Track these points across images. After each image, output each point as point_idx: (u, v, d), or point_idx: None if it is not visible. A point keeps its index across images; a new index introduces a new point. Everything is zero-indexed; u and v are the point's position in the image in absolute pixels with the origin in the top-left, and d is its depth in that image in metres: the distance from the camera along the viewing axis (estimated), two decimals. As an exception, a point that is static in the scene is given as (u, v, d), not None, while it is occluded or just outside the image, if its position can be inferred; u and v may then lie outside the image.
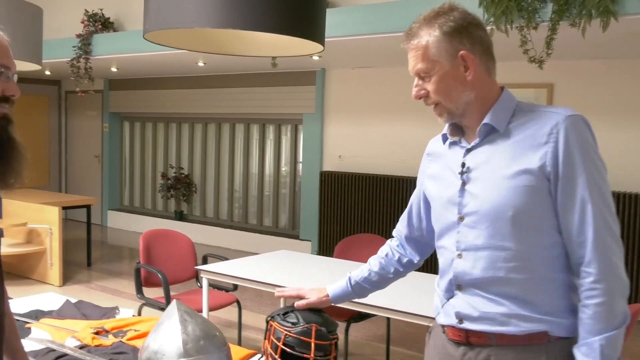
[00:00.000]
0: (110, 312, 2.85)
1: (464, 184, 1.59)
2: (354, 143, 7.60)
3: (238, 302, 4.47)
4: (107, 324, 2.64)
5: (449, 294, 1.63)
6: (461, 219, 1.58)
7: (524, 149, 1.50)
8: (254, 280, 3.69)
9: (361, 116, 7.53)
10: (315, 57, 6.56)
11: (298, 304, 1.98)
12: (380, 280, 2.01)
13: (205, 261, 4.68)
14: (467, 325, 1.58)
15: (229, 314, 5.10)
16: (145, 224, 9.86)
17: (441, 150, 1.76)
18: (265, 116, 8.66)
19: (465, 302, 1.58)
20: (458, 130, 1.67)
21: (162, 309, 4.22)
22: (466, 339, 1.59)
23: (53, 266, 6.45)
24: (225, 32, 3.26)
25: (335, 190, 7.53)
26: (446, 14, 1.55)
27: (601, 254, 1.44)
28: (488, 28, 4.32)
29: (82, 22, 7.40)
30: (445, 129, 1.70)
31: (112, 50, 7.10)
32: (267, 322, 2.12)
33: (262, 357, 2.15)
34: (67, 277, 6.76)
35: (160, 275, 4.21)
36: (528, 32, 4.16)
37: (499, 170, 1.53)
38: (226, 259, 4.38)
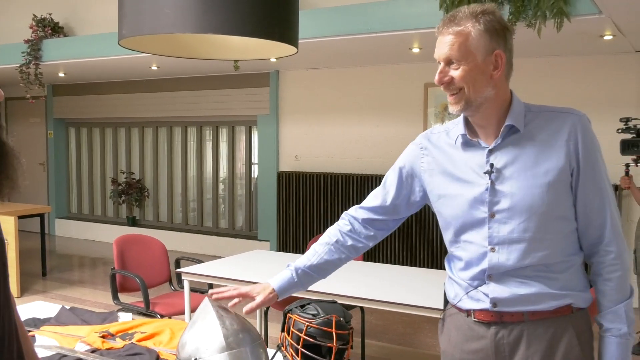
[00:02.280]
0: (111, 316, 2.87)
1: (493, 183, 1.70)
2: (309, 143, 7.72)
3: (215, 303, 4.51)
4: (111, 327, 2.66)
5: (479, 282, 1.75)
6: (492, 215, 1.71)
7: (548, 148, 1.67)
8: (241, 280, 3.75)
9: (316, 116, 7.67)
10: (273, 59, 6.65)
11: (247, 309, 1.91)
12: (328, 268, 2.06)
13: (178, 264, 4.71)
14: (501, 308, 1.72)
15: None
16: (96, 231, 9.72)
17: (446, 149, 1.83)
18: (219, 119, 8.68)
19: (499, 289, 1.72)
20: (472, 131, 1.77)
21: (142, 314, 4.23)
22: (499, 318, 1.73)
23: (10, 277, 6.28)
24: (197, 37, 3.33)
25: (292, 189, 7.64)
26: (491, 14, 1.65)
27: (617, 235, 1.69)
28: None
29: (31, 27, 7.23)
30: (462, 128, 1.78)
31: (63, 56, 6.98)
32: (285, 315, 2.21)
33: (278, 349, 2.23)
34: (24, 288, 6.61)
35: (138, 279, 4.21)
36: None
37: (528, 169, 1.67)
38: (200, 261, 4.42)
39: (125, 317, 2.90)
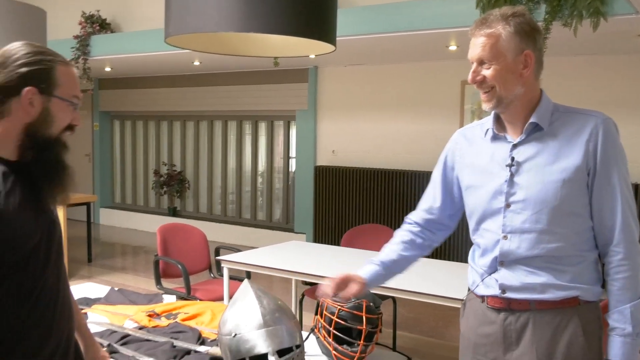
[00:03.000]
0: (156, 298, 3.07)
1: (512, 175, 1.82)
2: (346, 138, 7.86)
3: (252, 291, 4.68)
4: (157, 307, 2.86)
5: (492, 269, 1.87)
6: (508, 205, 1.83)
7: (568, 146, 1.77)
8: (278, 269, 3.92)
9: (354, 112, 7.79)
10: (311, 56, 6.79)
11: (344, 294, 2.00)
12: (405, 264, 2.18)
13: (217, 253, 4.90)
14: (509, 294, 1.83)
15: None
16: (139, 220, 10.03)
17: (478, 142, 1.96)
18: (258, 113, 8.88)
19: (509, 275, 1.83)
20: (501, 126, 1.90)
21: (183, 299, 4.43)
22: (508, 305, 1.85)
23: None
24: (239, 35, 3.49)
25: (329, 183, 7.79)
26: (521, 16, 1.76)
27: (628, 237, 1.76)
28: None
29: (80, 24, 7.53)
30: (491, 123, 1.90)
31: (110, 51, 7.25)
32: (319, 299, 2.36)
33: (312, 331, 2.38)
34: (71, 274, 6.91)
35: (180, 266, 4.41)
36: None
37: (546, 165, 1.78)
38: (239, 250, 4.60)
39: (169, 299, 3.09)
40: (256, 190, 9.15)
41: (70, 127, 1.60)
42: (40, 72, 1.51)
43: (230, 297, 4.32)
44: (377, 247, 4.63)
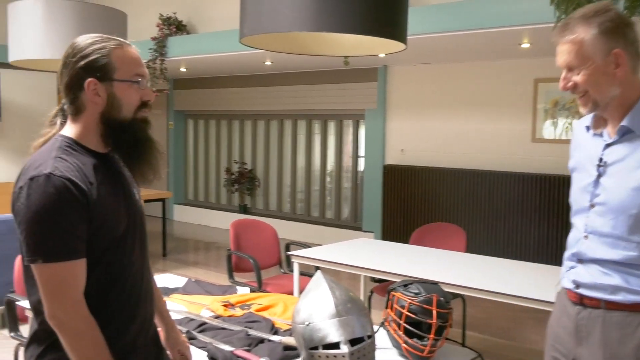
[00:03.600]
0: (230, 289, 3.18)
1: (599, 176, 1.80)
2: (415, 137, 7.84)
3: (321, 286, 4.76)
4: (232, 298, 2.96)
5: (572, 264, 1.89)
6: (592, 206, 1.81)
7: None
8: (347, 265, 3.98)
9: (423, 111, 7.77)
10: (381, 55, 6.81)
11: None
12: None
13: (287, 249, 5.00)
14: (582, 291, 1.83)
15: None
16: (210, 217, 10.31)
17: (583, 137, 1.93)
18: (327, 112, 8.97)
19: (583, 272, 1.83)
20: (601, 122, 1.84)
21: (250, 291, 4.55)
22: (581, 300, 1.85)
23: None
24: (312, 35, 3.56)
25: (397, 182, 7.79)
26: (604, 13, 1.70)
27: None
28: (559, 25, 4.52)
29: (158, 26, 7.82)
30: (589, 120, 1.87)
31: (185, 52, 7.49)
32: (389, 293, 2.40)
33: (382, 325, 2.42)
34: (147, 267, 7.18)
35: (252, 260, 4.53)
36: (600, 28, 4.33)
37: (631, 170, 1.72)
38: (308, 246, 4.68)
39: (242, 291, 3.19)
40: (325, 189, 9.24)
41: (144, 104, 1.65)
42: (95, 62, 1.58)
43: (301, 291, 4.41)
44: (447, 246, 4.66)
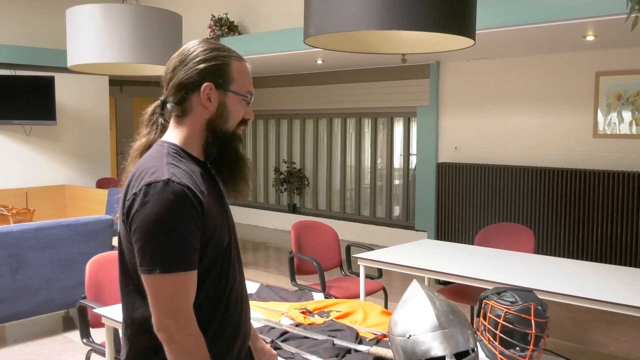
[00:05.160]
0: (305, 295, 3.13)
1: None
2: (470, 134, 7.68)
3: (384, 288, 4.69)
4: (309, 305, 2.91)
5: None
6: None
7: None
8: (411, 267, 3.89)
9: (477, 107, 7.60)
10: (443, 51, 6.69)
11: None
12: None
13: (348, 250, 4.94)
14: None
15: (375, 300, 5.34)
16: (259, 217, 10.32)
17: None
18: (378, 110, 8.87)
19: None
20: None
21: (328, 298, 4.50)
22: None
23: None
24: (374, 33, 3.48)
25: (452, 181, 7.65)
26: None
27: None
28: (632, 16, 4.35)
29: (210, 27, 7.83)
30: None
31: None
32: (481, 300, 2.31)
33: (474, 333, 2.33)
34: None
35: (315, 263, 4.48)
36: (676, 19, 4.14)
37: None
38: (371, 248, 4.60)
39: (318, 297, 3.14)
40: (375, 188, 9.15)
41: (243, 122, 1.63)
42: (217, 68, 1.55)
43: (367, 294, 4.34)
44: (514, 247, 4.53)
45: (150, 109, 1.68)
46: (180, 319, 1.43)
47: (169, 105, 1.61)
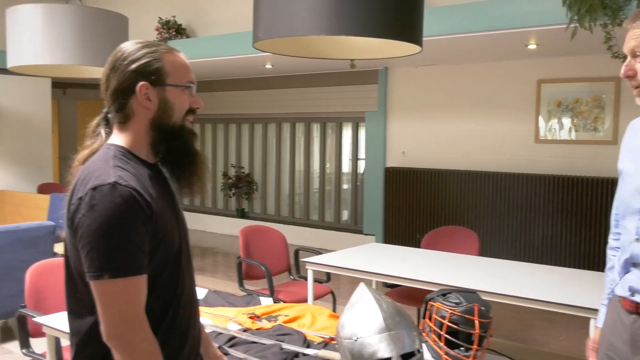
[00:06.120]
0: (253, 300, 3.11)
1: None
2: (417, 139, 7.80)
3: (332, 292, 4.71)
4: (257, 310, 2.89)
5: (625, 270, 1.83)
6: None
7: None
8: (360, 270, 3.92)
9: (424, 113, 7.73)
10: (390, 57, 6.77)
11: None
12: None
13: (296, 255, 4.94)
14: (637, 298, 1.78)
15: (323, 304, 5.35)
16: (207, 222, 10.21)
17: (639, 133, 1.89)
18: (326, 115, 8.91)
19: (638, 279, 1.78)
20: None
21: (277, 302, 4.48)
22: (636, 309, 1.79)
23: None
24: (324, 38, 3.50)
25: (399, 185, 7.75)
26: None
27: None
28: (571, 26, 4.51)
29: (157, 29, 7.73)
30: None
31: (186, 57, 7.39)
32: (427, 302, 2.34)
33: (420, 334, 2.36)
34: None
35: (263, 268, 4.46)
36: (612, 29, 4.32)
37: None
38: (319, 252, 4.61)
39: (266, 301, 3.12)
40: (324, 192, 9.18)
41: (192, 111, 1.60)
42: (148, 65, 1.51)
43: (315, 299, 4.34)
44: (460, 250, 4.61)
45: (94, 122, 1.64)
46: (134, 325, 1.40)
47: (110, 115, 1.58)
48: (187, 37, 7.94)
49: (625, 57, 1.76)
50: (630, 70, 1.72)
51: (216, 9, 7.96)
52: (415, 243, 7.42)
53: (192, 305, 1.64)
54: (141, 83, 1.50)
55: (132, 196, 1.40)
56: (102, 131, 1.61)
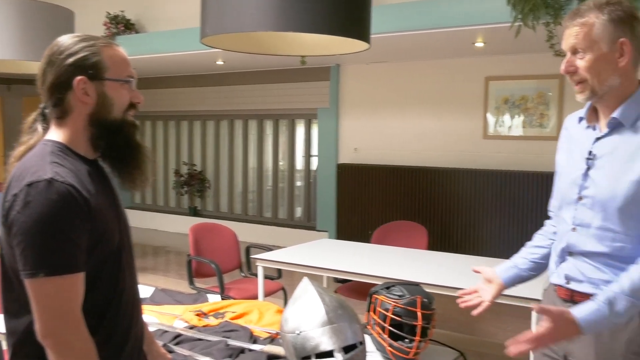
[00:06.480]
0: (201, 297, 3.09)
1: (588, 169, 1.81)
2: (369, 136, 7.86)
3: (284, 289, 4.72)
4: (204, 307, 2.88)
5: (561, 259, 1.89)
6: (580, 198, 1.83)
7: None
8: (311, 266, 3.94)
9: (376, 109, 7.80)
10: (339, 54, 6.79)
11: (479, 310, 2.13)
12: (543, 267, 2.11)
13: (248, 252, 4.93)
14: (573, 286, 1.84)
15: (274, 300, 5.36)
16: (159, 221, 10.08)
17: (575, 130, 1.94)
18: (279, 112, 8.90)
19: (574, 267, 1.84)
20: (595, 115, 1.86)
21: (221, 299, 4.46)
22: (571, 297, 1.85)
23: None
24: (272, 34, 3.50)
25: (352, 181, 7.80)
26: (616, 4, 1.72)
27: None
28: (516, 24, 4.62)
29: (105, 24, 7.57)
30: (584, 112, 1.88)
31: (134, 52, 7.27)
32: (371, 295, 2.37)
33: (364, 327, 2.39)
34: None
35: (214, 265, 4.44)
36: (554, 28, 4.44)
37: (621, 163, 1.73)
38: (270, 249, 4.62)
39: (214, 298, 3.11)
40: (277, 189, 9.17)
41: (132, 106, 1.58)
42: (86, 59, 1.49)
43: (265, 295, 4.34)
44: (409, 244, 4.68)
45: (30, 118, 1.61)
46: (70, 323, 1.39)
47: (47, 111, 1.55)
48: (137, 32, 7.82)
49: (565, 55, 1.81)
50: (571, 66, 1.76)
51: (166, 3, 7.86)
52: (367, 239, 7.49)
53: (134, 303, 1.63)
54: (78, 77, 1.48)
55: (68, 192, 1.38)
56: (39, 127, 1.58)
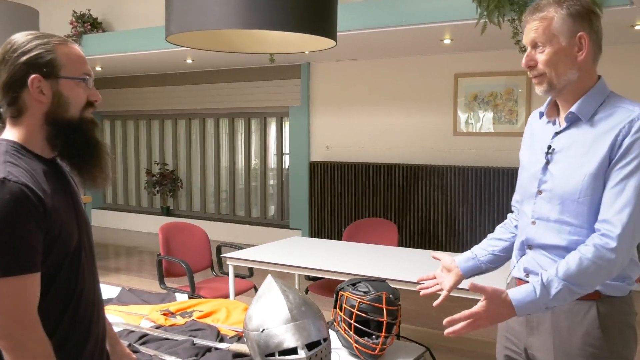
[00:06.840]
0: (169, 297, 3.07)
1: (547, 163, 1.84)
2: (340, 133, 7.88)
3: (255, 287, 4.70)
4: (171, 306, 2.86)
5: (522, 252, 1.92)
6: (539, 192, 1.86)
7: (601, 140, 1.73)
8: (283, 264, 3.93)
9: (347, 107, 7.82)
10: (306, 52, 6.80)
11: (440, 300, 2.13)
12: (503, 259, 2.14)
13: (219, 251, 4.90)
14: (531, 278, 1.86)
15: (245, 299, 5.34)
16: (131, 221, 9.99)
17: (537, 125, 1.97)
18: (251, 110, 8.87)
19: (533, 260, 1.87)
20: (556, 110, 1.89)
21: (189, 298, 4.43)
22: None
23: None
24: (239, 32, 3.49)
25: (324, 179, 7.81)
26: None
27: (623, 236, 1.66)
28: (481, 21, 4.67)
29: (71, 23, 7.47)
30: (544, 107, 1.92)
31: (102, 51, 7.20)
32: (337, 292, 2.38)
33: (331, 325, 2.40)
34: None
35: (184, 265, 4.41)
36: (519, 24, 4.49)
37: (577, 157, 1.77)
38: (240, 247, 4.60)
39: (182, 298, 3.09)
40: (250, 188, 9.15)
41: (90, 104, 1.56)
42: (40, 57, 1.47)
43: (236, 294, 4.33)
44: (379, 241, 4.70)
45: None
46: (25, 324, 1.37)
47: (2, 110, 1.53)
48: (104, 31, 7.72)
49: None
50: (532, 60, 1.79)
51: (133, 2, 7.78)
52: (340, 236, 7.52)
53: (95, 303, 1.62)
54: (33, 76, 1.46)
55: (22, 192, 1.36)
56: None
